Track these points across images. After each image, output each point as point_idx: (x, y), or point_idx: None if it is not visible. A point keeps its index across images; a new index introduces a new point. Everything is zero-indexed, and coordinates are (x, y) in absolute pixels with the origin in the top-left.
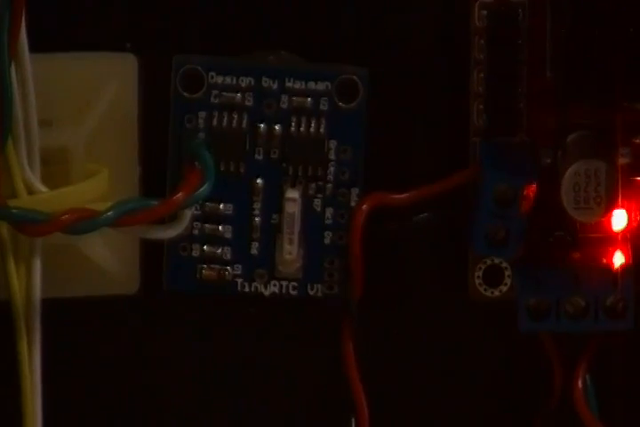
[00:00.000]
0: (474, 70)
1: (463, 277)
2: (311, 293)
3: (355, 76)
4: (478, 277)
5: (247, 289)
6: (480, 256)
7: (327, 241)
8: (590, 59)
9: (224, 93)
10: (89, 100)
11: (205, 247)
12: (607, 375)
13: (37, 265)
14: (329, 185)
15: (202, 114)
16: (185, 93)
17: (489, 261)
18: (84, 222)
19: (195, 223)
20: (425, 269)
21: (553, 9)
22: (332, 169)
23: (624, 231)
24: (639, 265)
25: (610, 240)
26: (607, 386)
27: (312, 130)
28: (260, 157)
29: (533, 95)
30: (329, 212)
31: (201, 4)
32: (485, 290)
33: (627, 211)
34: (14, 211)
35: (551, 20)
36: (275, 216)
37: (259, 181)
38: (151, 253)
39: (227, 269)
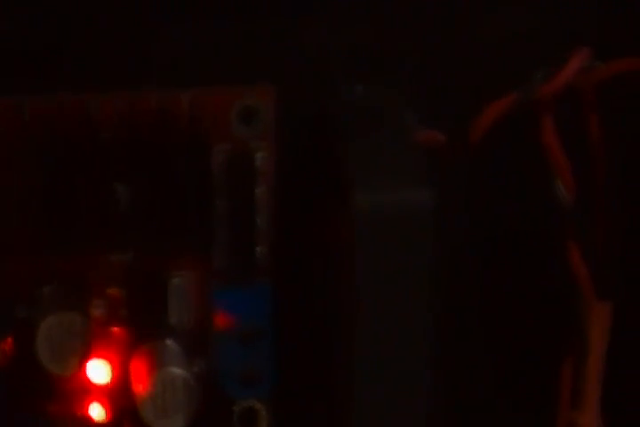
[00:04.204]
0: None
1: None
2: None
3: None
4: None
5: None
6: None
7: None
8: (62, 211)
9: None
10: None
11: None
12: None
13: None
14: None
15: None
16: None
17: None
18: None
19: None
20: None
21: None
22: None
23: (107, 384)
24: (119, 418)
25: (89, 392)
26: None
27: None
28: None
29: None
30: None
31: None
32: None
33: (107, 362)
34: None
35: (23, 174)
36: None
37: None
38: None
39: None
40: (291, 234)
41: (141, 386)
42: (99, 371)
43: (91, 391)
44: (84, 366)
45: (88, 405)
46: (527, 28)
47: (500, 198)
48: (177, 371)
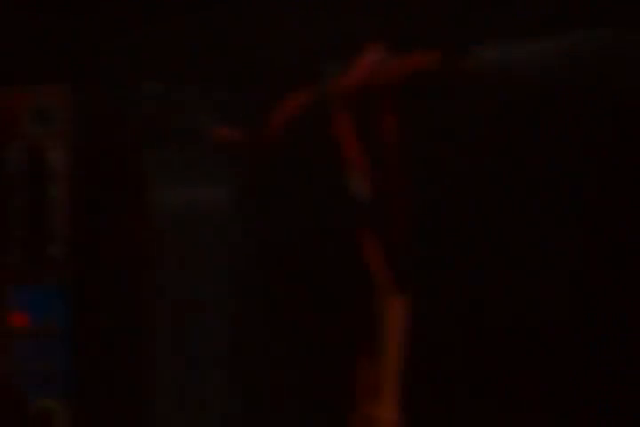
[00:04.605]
0: None
1: None
2: None
3: None
4: None
5: None
6: None
7: None
8: None
9: None
10: None
11: None
12: None
13: None
14: None
15: None
16: None
17: None
18: None
19: None
20: None
21: None
22: None
23: None
24: None
25: None
26: None
27: None
28: None
29: None
30: None
31: None
32: None
33: None
34: None
35: None
36: None
37: None
38: None
39: None
40: (86, 233)
41: None
42: None
43: None
44: None
45: None
46: (323, 24)
47: (296, 195)
48: None
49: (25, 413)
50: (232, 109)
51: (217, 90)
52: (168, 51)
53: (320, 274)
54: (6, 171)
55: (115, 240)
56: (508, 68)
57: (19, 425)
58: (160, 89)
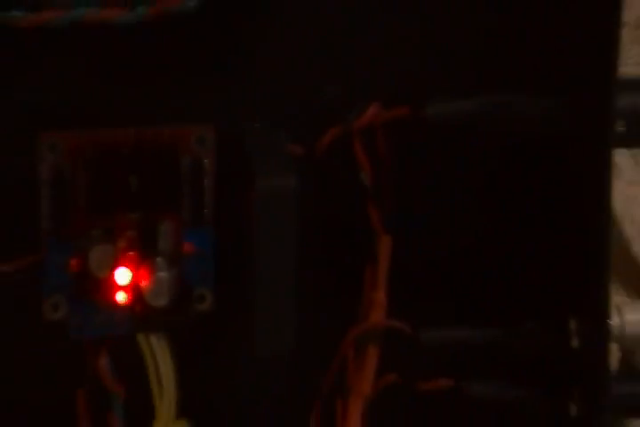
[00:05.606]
0: None
1: None
2: None
3: None
4: None
5: None
6: None
7: None
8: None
9: None
10: None
11: None
12: None
13: None
14: None
15: None
16: None
17: None
18: None
19: None
20: None
21: None
22: None
23: (127, 283)
24: (133, 301)
25: (117, 287)
26: None
27: None
28: None
29: None
30: None
31: None
32: None
33: (128, 269)
34: None
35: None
36: None
37: None
38: None
39: None
40: (226, 205)
41: (146, 282)
42: (123, 275)
43: (117, 287)
44: (114, 272)
45: (116, 293)
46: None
47: (337, 187)
48: (164, 274)
49: (190, 295)
50: (295, 135)
51: (291, 126)
52: (265, 102)
53: (344, 226)
54: (181, 172)
55: (243, 210)
56: (452, 120)
57: (186, 302)
58: (260, 126)
